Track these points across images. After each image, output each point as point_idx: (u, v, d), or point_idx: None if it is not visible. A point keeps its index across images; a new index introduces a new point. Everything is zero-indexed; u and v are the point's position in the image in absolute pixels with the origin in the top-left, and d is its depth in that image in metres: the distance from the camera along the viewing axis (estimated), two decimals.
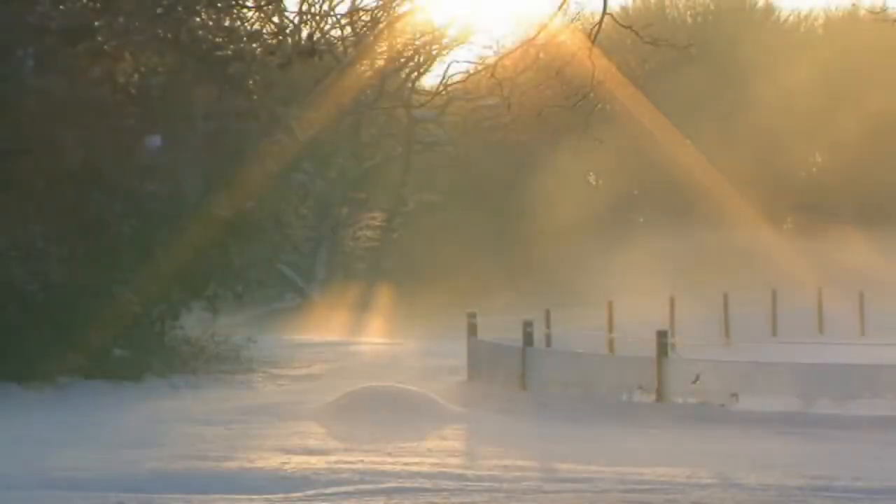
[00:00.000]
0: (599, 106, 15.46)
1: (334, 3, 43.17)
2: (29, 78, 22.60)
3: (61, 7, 23.78)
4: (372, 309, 44.42)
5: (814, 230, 53.71)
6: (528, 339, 22.65)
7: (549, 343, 27.60)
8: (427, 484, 13.06)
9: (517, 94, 16.00)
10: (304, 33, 40.66)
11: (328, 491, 12.77)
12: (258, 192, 27.25)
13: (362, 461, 14.44)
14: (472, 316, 25.14)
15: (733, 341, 31.28)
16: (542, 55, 33.88)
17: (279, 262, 40.50)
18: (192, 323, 28.77)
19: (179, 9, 24.28)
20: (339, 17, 42.88)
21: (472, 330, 24.85)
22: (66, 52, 22.98)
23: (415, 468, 13.99)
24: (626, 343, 25.88)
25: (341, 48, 42.29)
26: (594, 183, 58.16)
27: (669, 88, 46.97)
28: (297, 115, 30.35)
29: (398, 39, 45.32)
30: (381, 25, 43.05)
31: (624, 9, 54.66)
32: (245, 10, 29.74)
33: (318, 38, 39.08)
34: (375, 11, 43.12)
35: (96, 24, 23.94)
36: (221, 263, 27.02)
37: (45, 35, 22.76)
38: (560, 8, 15.14)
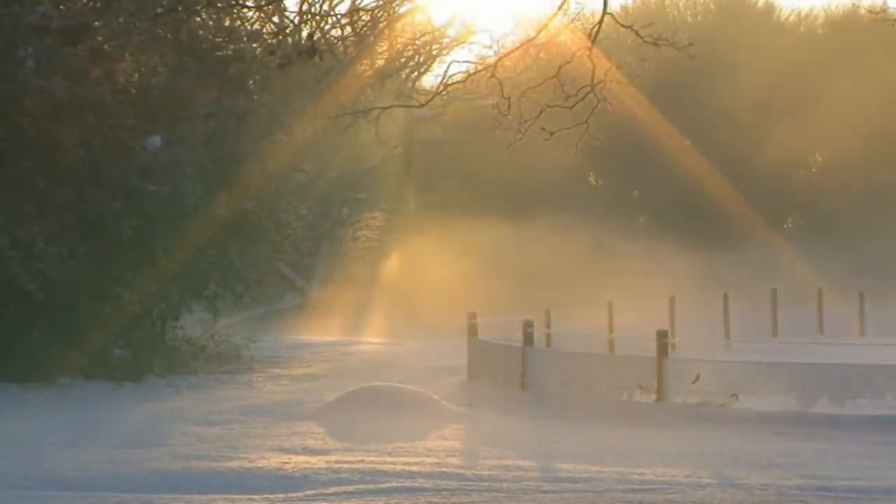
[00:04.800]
0: (599, 106, 15.42)
1: (334, 3, 43.12)
2: (29, 78, 22.58)
3: (61, 7, 23.78)
4: (372, 309, 44.42)
5: (814, 230, 53.73)
6: (528, 339, 22.65)
7: (549, 343, 27.61)
8: (427, 484, 13.06)
9: (517, 94, 15.95)
10: (304, 33, 40.60)
11: (328, 491, 12.78)
12: (258, 192, 27.25)
13: (362, 461, 14.44)
14: (473, 316, 25.15)
15: (733, 341, 31.27)
16: (542, 55, 33.87)
17: (279, 262, 40.48)
18: (193, 323, 28.78)
19: (179, 9, 24.27)
20: (339, 17, 42.85)
21: (473, 330, 24.86)
22: (66, 52, 22.96)
23: (415, 468, 13.99)
24: (626, 343, 25.87)
25: (341, 48, 42.27)
26: (594, 183, 58.16)
27: (669, 88, 46.96)
28: (297, 115, 30.35)
29: (398, 39, 45.30)
30: (381, 25, 43.03)
31: (624, 8, 54.73)
32: (245, 10, 29.74)
33: (318, 38, 39.02)
34: (375, 11, 43.10)
35: (96, 24, 23.94)
36: (221, 263, 27.02)
37: (45, 35, 22.75)
38: (560, 8, 15.14)
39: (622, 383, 20.79)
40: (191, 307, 28.19)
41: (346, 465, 14.07)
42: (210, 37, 26.35)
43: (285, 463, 14.39)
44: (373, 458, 14.67)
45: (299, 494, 12.67)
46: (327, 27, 42.65)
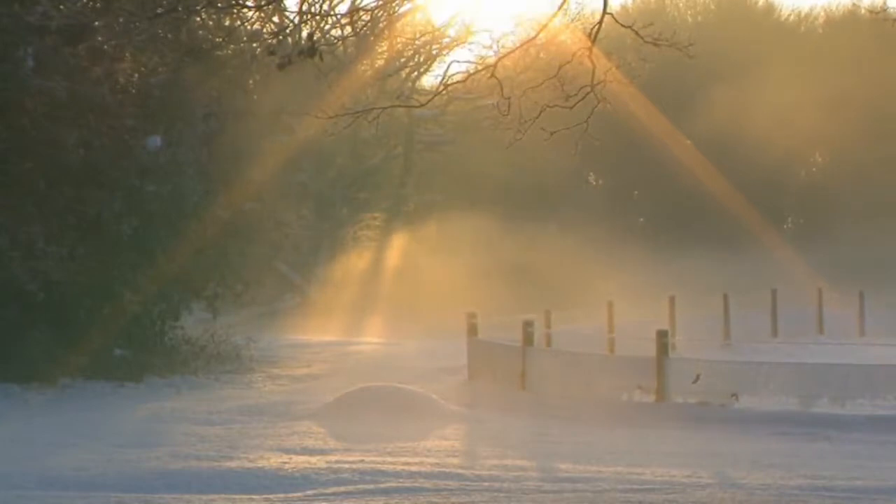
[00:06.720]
0: (599, 106, 15.40)
1: (334, 3, 43.18)
2: (29, 78, 22.59)
3: (61, 7, 23.78)
4: (371, 309, 44.41)
5: (814, 230, 53.73)
6: (528, 338, 22.64)
7: (549, 343, 27.60)
8: (427, 484, 13.06)
9: (517, 94, 15.94)
10: (304, 33, 40.55)
11: (328, 491, 12.79)
12: (258, 192, 27.25)
13: (362, 461, 14.44)
14: (472, 316, 25.14)
15: (733, 341, 31.27)
16: (542, 55, 33.87)
17: (279, 262, 40.45)
18: (193, 323, 28.77)
19: (179, 9, 24.25)
20: (339, 17, 42.80)
21: (472, 330, 24.84)
22: (66, 52, 22.98)
23: (415, 468, 14.00)
24: (626, 343, 25.87)
25: (341, 48, 42.26)
26: (594, 183, 58.17)
27: (669, 88, 46.96)
28: (297, 115, 30.37)
29: (398, 39, 45.30)
30: (381, 25, 43.04)
31: (624, 8, 54.73)
32: (245, 10, 29.74)
33: (318, 38, 39.00)
34: (375, 11, 43.09)
35: (96, 24, 23.95)
36: (221, 263, 27.02)
37: (45, 35, 22.76)
38: (560, 8, 15.11)
39: (622, 383, 20.77)
40: (191, 307, 28.18)
41: (345, 465, 14.07)
42: (210, 37, 26.37)
43: (285, 463, 14.39)
44: (373, 458, 14.68)
45: (299, 494, 12.67)
46: (327, 27, 42.61)
